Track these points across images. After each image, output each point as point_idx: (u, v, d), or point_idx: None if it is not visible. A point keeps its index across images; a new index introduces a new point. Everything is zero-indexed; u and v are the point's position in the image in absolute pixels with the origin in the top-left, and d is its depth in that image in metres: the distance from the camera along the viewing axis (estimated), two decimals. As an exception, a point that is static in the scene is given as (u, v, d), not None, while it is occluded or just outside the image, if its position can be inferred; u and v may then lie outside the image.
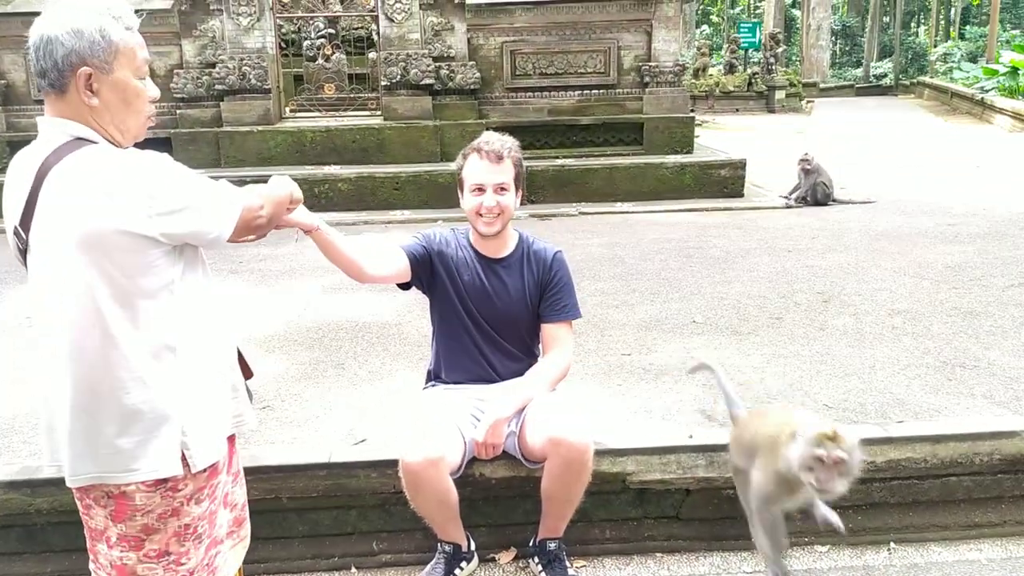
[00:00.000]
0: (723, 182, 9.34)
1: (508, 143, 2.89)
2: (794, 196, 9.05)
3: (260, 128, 9.50)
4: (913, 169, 11.61)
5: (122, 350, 1.88)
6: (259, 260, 6.85)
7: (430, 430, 2.78)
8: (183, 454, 1.94)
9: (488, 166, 2.84)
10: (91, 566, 2.11)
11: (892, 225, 7.69)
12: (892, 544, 3.17)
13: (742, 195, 9.35)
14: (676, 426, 3.50)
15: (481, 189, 2.85)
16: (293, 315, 5.29)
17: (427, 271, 2.97)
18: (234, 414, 2.11)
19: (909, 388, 3.82)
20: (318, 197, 8.91)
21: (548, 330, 3.02)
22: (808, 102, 25.88)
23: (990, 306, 5.08)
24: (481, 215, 2.87)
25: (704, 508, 3.21)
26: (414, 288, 3.01)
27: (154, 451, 1.91)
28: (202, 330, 2.00)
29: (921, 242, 6.93)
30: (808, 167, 9.03)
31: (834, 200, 9.00)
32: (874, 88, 34.04)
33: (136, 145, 2.02)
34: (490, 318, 2.98)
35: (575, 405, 3.14)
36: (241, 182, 7.60)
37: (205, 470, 1.99)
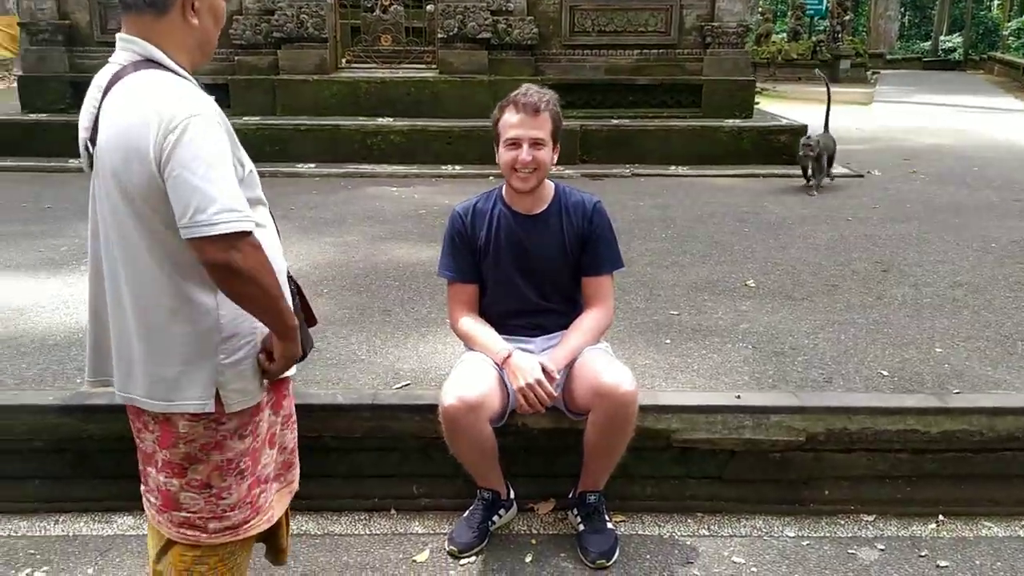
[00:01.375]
0: (782, 148, 9.10)
1: (547, 95, 2.80)
2: (814, 184, 7.85)
3: (316, 77, 9.48)
4: (980, 142, 11.22)
5: (168, 279, 1.87)
6: (309, 208, 6.88)
7: (470, 376, 2.76)
8: (218, 394, 1.93)
9: (524, 119, 2.75)
10: (142, 488, 2.14)
11: (956, 198, 7.45)
12: (941, 517, 3.09)
13: (801, 163, 9.11)
14: (723, 387, 3.43)
15: (516, 143, 2.77)
16: (342, 261, 5.30)
17: (477, 266, 2.97)
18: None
19: (968, 360, 3.70)
20: (370, 149, 8.91)
21: (590, 283, 2.96)
22: (873, 73, 25.14)
23: (1056, 282, 4.90)
24: (516, 170, 2.80)
25: (749, 470, 3.16)
26: None
27: (191, 385, 1.91)
28: None
29: (986, 216, 6.71)
30: (812, 153, 7.72)
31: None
32: (942, 63, 32.95)
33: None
34: (531, 276, 2.93)
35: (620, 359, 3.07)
36: (296, 131, 7.68)
37: (245, 409, 1.99)
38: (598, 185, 7.95)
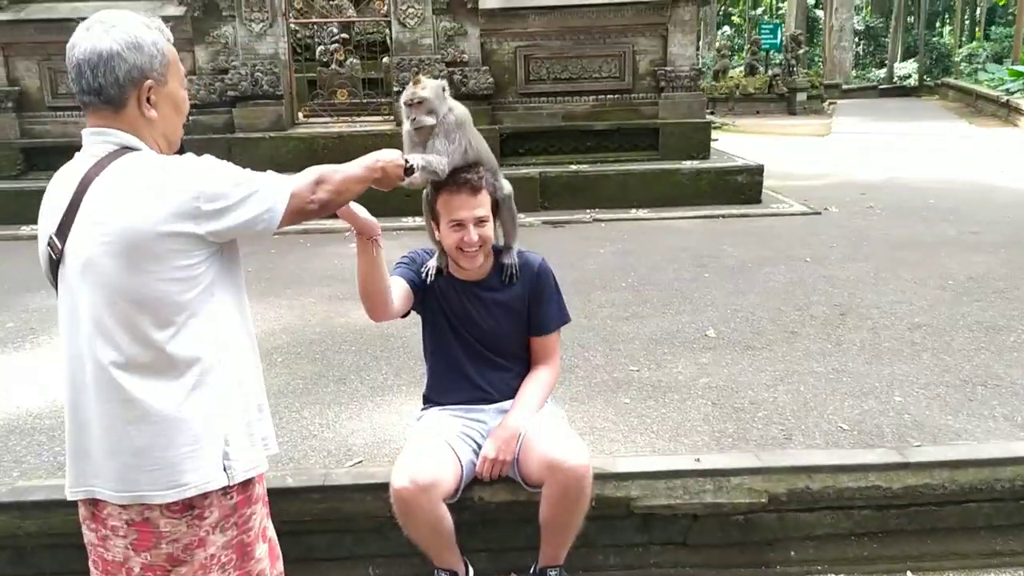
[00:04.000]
0: (740, 188, 9.18)
1: (479, 171, 2.75)
2: None
3: (272, 134, 9.44)
4: (935, 173, 11.38)
5: (164, 359, 1.83)
6: (268, 270, 6.78)
7: (422, 454, 2.69)
8: (224, 465, 1.88)
9: (465, 200, 2.72)
10: None
11: (914, 233, 7.51)
12: (908, 573, 3.05)
13: (759, 201, 9.19)
14: (683, 448, 3.38)
15: (461, 224, 2.74)
16: (298, 326, 5.21)
17: (421, 296, 2.88)
18: (262, 435, 2.03)
19: (928, 409, 3.67)
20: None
21: (538, 342, 2.95)
22: (830, 103, 25.61)
23: (1013, 320, 4.92)
24: (463, 250, 2.77)
25: (712, 534, 3.10)
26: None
27: (200, 464, 1.86)
28: (237, 341, 1.95)
29: (943, 251, 6.75)
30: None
31: None
32: (898, 89, 33.72)
33: None
34: (479, 339, 2.90)
35: (571, 428, 3.02)
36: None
37: (230, 496, 1.93)
38: (559, 232, 7.94)
